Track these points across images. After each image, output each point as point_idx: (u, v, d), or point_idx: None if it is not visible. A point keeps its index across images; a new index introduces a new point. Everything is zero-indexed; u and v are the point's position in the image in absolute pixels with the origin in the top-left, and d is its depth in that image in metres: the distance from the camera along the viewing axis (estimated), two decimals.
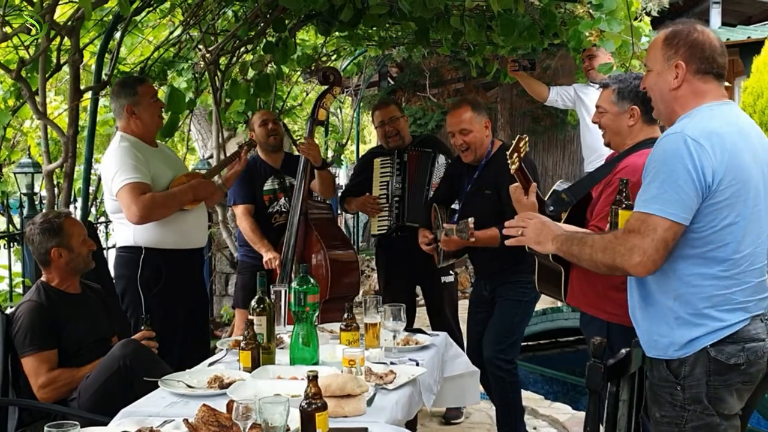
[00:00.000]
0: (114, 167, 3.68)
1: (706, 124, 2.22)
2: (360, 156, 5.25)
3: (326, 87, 4.67)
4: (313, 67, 6.57)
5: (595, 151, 5.31)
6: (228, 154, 5.52)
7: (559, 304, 7.44)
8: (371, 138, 15.75)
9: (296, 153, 5.00)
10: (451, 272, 4.76)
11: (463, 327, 4.77)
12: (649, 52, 2.38)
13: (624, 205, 2.56)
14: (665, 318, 2.28)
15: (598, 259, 2.30)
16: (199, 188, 3.89)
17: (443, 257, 4.12)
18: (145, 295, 3.76)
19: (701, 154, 2.15)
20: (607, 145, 3.20)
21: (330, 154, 8.94)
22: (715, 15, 9.95)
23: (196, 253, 4.06)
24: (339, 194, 5.97)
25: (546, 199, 3.14)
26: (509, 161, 3.01)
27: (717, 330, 2.22)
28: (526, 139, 3.02)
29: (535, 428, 4.70)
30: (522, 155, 3.00)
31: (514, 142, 2.99)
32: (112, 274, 4.00)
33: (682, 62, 2.30)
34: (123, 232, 3.84)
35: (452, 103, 4.35)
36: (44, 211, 3.90)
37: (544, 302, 7.70)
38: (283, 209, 4.73)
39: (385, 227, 4.74)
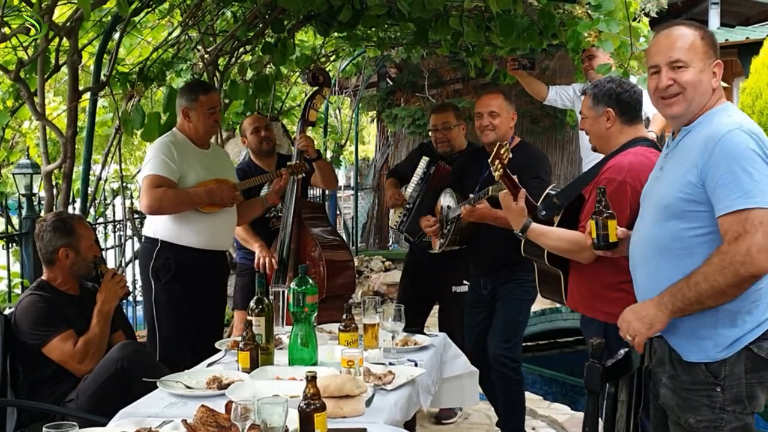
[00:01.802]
0: (148, 157, 3.92)
1: (745, 118, 2.27)
2: (420, 144, 5.22)
3: (316, 88, 4.68)
4: (312, 68, 6.57)
5: (592, 152, 5.30)
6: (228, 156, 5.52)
7: (558, 305, 7.44)
8: (370, 138, 15.77)
9: (290, 153, 5.00)
10: (465, 282, 4.74)
11: None
12: (687, 48, 2.30)
13: (605, 215, 2.54)
14: (710, 321, 2.22)
15: (720, 284, 2.13)
16: (216, 192, 3.95)
17: (444, 243, 4.13)
18: (155, 284, 3.93)
19: (763, 143, 2.18)
20: (594, 149, 3.26)
21: (329, 155, 8.94)
22: (714, 16, 9.95)
23: (215, 256, 4.09)
24: (343, 192, 5.93)
25: (538, 203, 3.15)
26: (492, 168, 3.03)
27: (759, 325, 2.19)
28: (507, 146, 3.05)
29: (534, 428, 4.70)
30: (505, 162, 3.02)
31: (494, 149, 3.01)
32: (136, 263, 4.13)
33: (720, 63, 2.33)
34: (148, 223, 4.07)
35: (486, 91, 4.37)
36: (57, 209, 3.94)
37: (542, 303, 7.69)
38: (279, 214, 4.73)
39: (396, 225, 4.75)
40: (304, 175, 4.53)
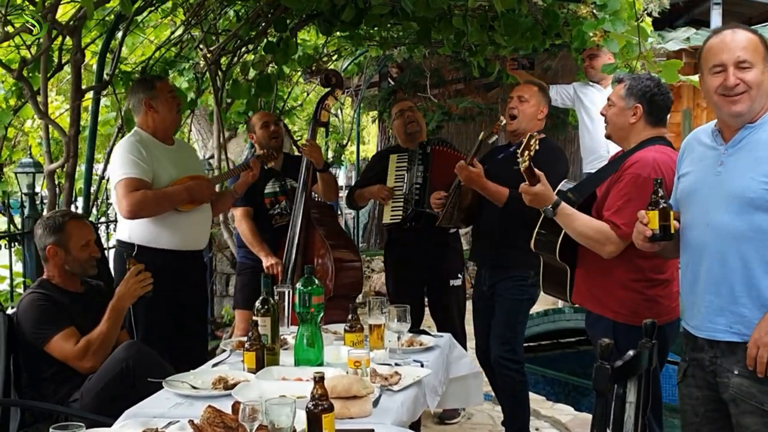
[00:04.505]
0: (116, 161, 3.77)
1: None
2: (374, 154, 5.18)
3: (328, 89, 4.66)
4: (314, 68, 6.55)
5: (593, 152, 5.30)
6: (227, 155, 5.52)
7: (560, 304, 7.44)
8: (371, 139, 15.77)
9: (296, 154, 4.98)
10: (459, 275, 4.73)
11: (468, 329, 4.77)
12: (753, 50, 2.37)
13: (665, 206, 2.49)
14: None
15: None
16: (195, 189, 3.87)
17: (446, 218, 4.14)
18: None
19: None
20: (608, 137, 3.24)
21: (330, 154, 8.94)
22: (716, 16, 9.92)
23: (193, 256, 4.01)
24: (344, 193, 5.93)
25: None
26: (519, 159, 2.99)
27: None
28: (537, 136, 3.00)
29: (537, 429, 4.70)
30: (532, 153, 2.98)
31: (524, 139, 2.97)
32: (111, 267, 4.04)
33: None
34: (122, 226, 3.90)
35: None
36: (60, 209, 3.91)
37: (545, 303, 7.69)
38: (284, 212, 4.71)
39: (399, 216, 4.62)
40: (272, 163, 4.50)
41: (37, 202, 4.59)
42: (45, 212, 4.21)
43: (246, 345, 2.89)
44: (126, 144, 3.81)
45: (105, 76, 4.38)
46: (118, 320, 3.31)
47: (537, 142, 2.99)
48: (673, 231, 2.49)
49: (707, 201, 2.45)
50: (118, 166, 3.73)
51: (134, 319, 3.77)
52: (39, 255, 3.43)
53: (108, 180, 5.52)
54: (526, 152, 2.96)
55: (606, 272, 3.02)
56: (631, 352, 2.39)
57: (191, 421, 2.20)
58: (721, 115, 2.44)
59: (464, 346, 4.19)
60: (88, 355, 3.18)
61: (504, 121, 4.07)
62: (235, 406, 2.25)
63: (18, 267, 4.42)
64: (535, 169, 3.04)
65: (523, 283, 3.98)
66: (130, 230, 3.83)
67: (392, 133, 5.08)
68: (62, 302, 3.29)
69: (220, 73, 5.28)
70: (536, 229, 3.23)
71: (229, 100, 5.58)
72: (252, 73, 5.38)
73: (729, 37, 2.39)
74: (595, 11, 4.08)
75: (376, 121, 12.91)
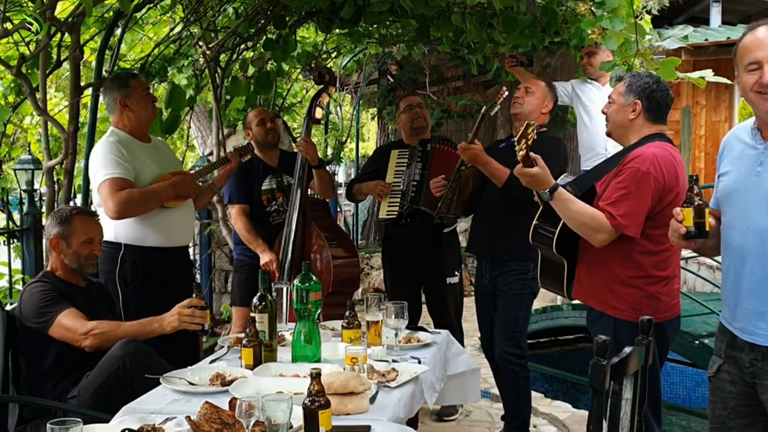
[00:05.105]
0: (97, 162, 3.71)
1: None
2: (376, 149, 5.19)
3: (321, 87, 4.67)
4: (313, 64, 6.55)
5: (591, 149, 5.30)
6: (226, 152, 5.53)
7: (559, 301, 7.44)
8: (370, 136, 15.77)
9: (293, 150, 4.98)
10: (456, 273, 4.73)
11: (465, 326, 4.78)
12: None
13: (701, 203, 2.41)
14: None
15: None
16: (180, 185, 3.85)
17: (445, 204, 4.16)
18: (122, 291, 3.75)
19: None
20: (608, 134, 3.26)
21: (329, 151, 8.94)
22: (716, 14, 9.95)
23: (180, 252, 4.00)
24: (344, 190, 5.93)
25: None
26: (516, 147, 2.96)
27: None
28: (534, 125, 2.99)
29: (535, 426, 4.71)
30: (530, 142, 2.97)
31: (522, 128, 2.94)
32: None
33: None
34: (106, 226, 3.83)
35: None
36: (59, 206, 3.91)
37: (544, 300, 7.71)
38: (281, 208, 4.71)
39: (395, 212, 4.61)
40: (250, 156, 4.51)
41: (36, 199, 4.60)
42: (44, 209, 4.22)
43: (243, 341, 2.90)
44: (105, 144, 3.75)
45: (104, 72, 4.38)
46: (138, 331, 3.25)
47: (534, 131, 2.97)
48: (708, 228, 2.42)
49: (747, 202, 2.38)
50: (100, 167, 3.67)
51: (125, 317, 3.76)
52: (38, 252, 3.44)
53: None
54: (523, 141, 2.93)
55: (607, 269, 3.03)
56: (627, 349, 2.40)
57: (188, 417, 2.20)
58: (759, 113, 2.37)
59: (461, 343, 4.21)
60: (90, 334, 3.15)
61: (506, 92, 4.09)
62: (232, 402, 2.25)
63: (17, 264, 4.43)
64: (531, 153, 3.01)
65: (524, 277, 4.00)
66: (115, 230, 3.77)
67: (397, 127, 5.07)
68: (65, 291, 3.30)
69: (219, 70, 5.28)
70: (534, 221, 3.23)
71: (228, 97, 5.58)
72: (251, 70, 5.38)
73: (763, 33, 2.32)
74: (593, 8, 4.09)
75: (376, 118, 12.92)
